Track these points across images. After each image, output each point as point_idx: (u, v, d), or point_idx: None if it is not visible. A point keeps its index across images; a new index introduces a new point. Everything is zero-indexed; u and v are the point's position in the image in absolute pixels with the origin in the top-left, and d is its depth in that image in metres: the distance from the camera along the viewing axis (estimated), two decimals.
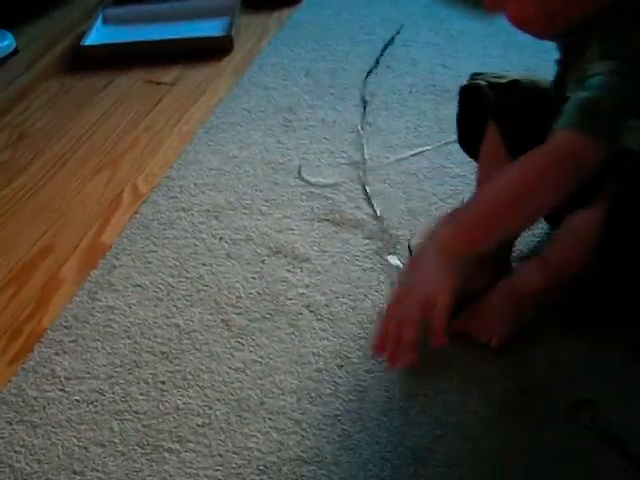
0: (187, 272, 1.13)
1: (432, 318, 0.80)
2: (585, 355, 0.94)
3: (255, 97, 1.52)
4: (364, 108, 1.45)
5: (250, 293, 1.09)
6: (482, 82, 1.03)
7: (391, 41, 1.68)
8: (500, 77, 1.04)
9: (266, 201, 1.25)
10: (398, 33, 1.70)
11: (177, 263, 1.15)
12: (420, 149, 1.32)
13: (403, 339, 0.82)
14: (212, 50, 1.71)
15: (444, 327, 0.80)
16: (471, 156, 1.12)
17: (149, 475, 0.87)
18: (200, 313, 1.06)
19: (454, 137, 1.30)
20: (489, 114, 1.02)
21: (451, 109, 1.41)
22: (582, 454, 0.84)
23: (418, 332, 0.82)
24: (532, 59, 1.56)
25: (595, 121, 0.79)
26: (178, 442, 0.90)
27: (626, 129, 0.78)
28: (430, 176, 1.26)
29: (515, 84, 1.02)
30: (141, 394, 0.96)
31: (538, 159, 0.81)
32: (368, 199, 1.21)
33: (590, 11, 0.83)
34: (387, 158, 1.31)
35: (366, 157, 1.31)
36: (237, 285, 1.10)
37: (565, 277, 0.94)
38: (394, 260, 1.10)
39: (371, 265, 1.11)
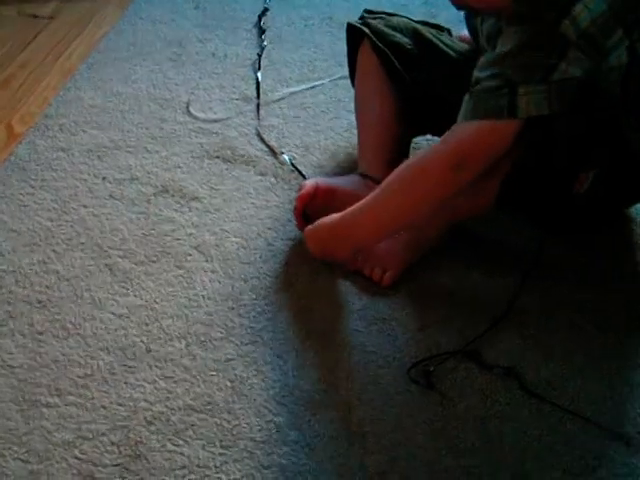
0: (67, 215, 1.05)
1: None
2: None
3: (141, 31, 1.43)
4: (259, 40, 1.38)
5: (135, 235, 1.01)
6: (366, 27, 1.03)
7: None
8: (388, 19, 1.04)
9: (152, 138, 1.17)
10: None
11: (56, 206, 1.06)
12: (315, 83, 1.26)
13: None
14: None
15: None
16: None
17: (26, 433, 0.80)
18: (81, 258, 0.99)
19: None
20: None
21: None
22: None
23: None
24: None
25: (487, 102, 0.80)
26: (57, 396, 0.83)
27: (525, 97, 0.78)
28: (326, 110, 1.21)
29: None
30: (16, 347, 0.88)
31: (428, 162, 0.85)
32: (259, 136, 1.15)
33: None
34: (281, 92, 1.25)
35: (260, 91, 1.25)
36: (121, 227, 1.03)
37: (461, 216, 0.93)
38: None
39: (264, 202, 1.05)
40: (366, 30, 1.03)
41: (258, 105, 1.21)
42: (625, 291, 0.92)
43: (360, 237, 0.92)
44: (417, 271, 0.94)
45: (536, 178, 0.86)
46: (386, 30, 1.02)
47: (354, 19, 1.43)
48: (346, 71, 1.23)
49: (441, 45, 1.02)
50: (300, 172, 1.08)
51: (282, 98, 1.23)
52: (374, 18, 1.05)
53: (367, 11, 1.08)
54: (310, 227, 0.95)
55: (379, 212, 0.89)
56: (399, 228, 0.92)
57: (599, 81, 0.81)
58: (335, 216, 0.93)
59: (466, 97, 0.82)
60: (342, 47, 1.33)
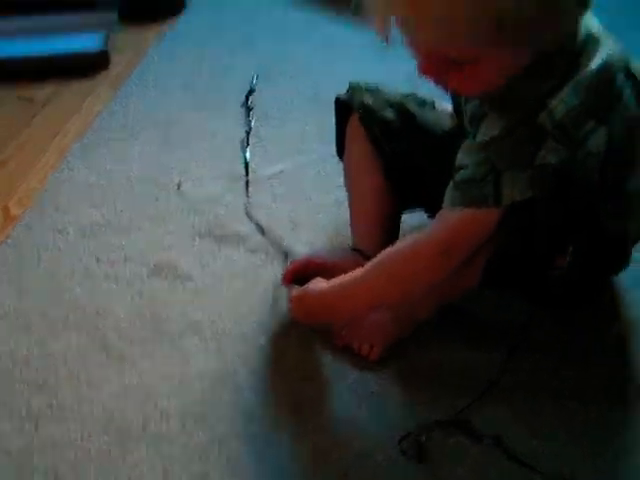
0: (63, 296, 1.07)
1: None
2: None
3: (133, 111, 1.47)
4: (247, 119, 1.42)
5: (130, 315, 1.04)
6: (354, 102, 1.06)
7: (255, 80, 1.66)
8: (376, 93, 1.07)
9: (145, 218, 1.20)
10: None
11: (52, 287, 1.09)
12: (303, 159, 1.30)
13: None
14: (89, 65, 1.65)
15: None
16: None
17: None
18: (77, 339, 1.01)
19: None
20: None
21: (333, 119, 1.42)
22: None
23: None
24: (413, 67, 1.57)
25: (472, 191, 0.83)
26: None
27: (504, 184, 0.81)
28: (314, 186, 1.25)
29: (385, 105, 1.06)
30: (12, 429, 0.90)
31: (417, 248, 0.88)
32: (247, 214, 1.19)
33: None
34: (269, 169, 1.29)
35: (249, 169, 1.29)
36: (116, 307, 1.05)
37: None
38: None
39: (254, 279, 1.08)
40: (354, 105, 1.06)
41: (247, 183, 1.25)
42: (607, 365, 0.95)
43: (348, 308, 0.95)
44: (405, 346, 0.97)
45: (517, 259, 0.89)
46: (373, 104, 1.05)
47: (339, 95, 1.49)
48: (333, 147, 1.28)
49: (424, 119, 1.06)
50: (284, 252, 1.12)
51: (271, 176, 1.27)
52: (361, 91, 1.08)
53: (353, 84, 1.10)
54: (296, 292, 0.98)
55: (369, 287, 0.92)
56: (387, 305, 0.95)
57: (576, 169, 0.85)
58: (323, 285, 0.95)
59: (450, 184, 0.86)
60: (328, 123, 1.38)
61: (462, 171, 0.85)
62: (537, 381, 0.93)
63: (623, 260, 1.01)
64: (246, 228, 1.17)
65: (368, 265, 0.92)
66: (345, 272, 0.99)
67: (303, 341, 0.99)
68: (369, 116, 1.04)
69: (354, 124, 1.06)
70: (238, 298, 1.06)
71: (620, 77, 0.87)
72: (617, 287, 1.05)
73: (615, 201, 0.95)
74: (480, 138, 0.84)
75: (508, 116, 0.83)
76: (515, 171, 0.81)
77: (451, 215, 0.86)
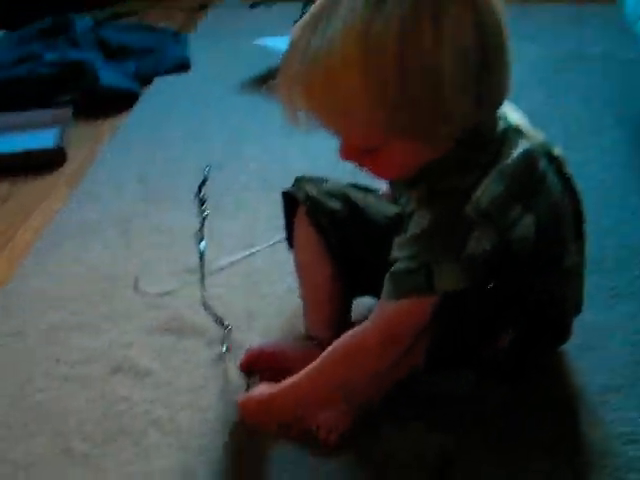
0: (23, 400, 1.09)
1: None
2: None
3: (90, 208, 1.51)
4: (200, 210, 1.46)
5: (92, 417, 1.05)
6: (300, 195, 1.10)
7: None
8: (320, 184, 1.12)
9: (104, 317, 1.23)
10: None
11: (12, 392, 1.10)
12: (254, 249, 1.35)
13: None
14: (45, 163, 1.69)
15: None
16: None
17: None
18: (39, 444, 1.02)
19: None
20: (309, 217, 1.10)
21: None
22: None
23: None
24: None
25: (405, 283, 0.87)
26: None
27: (440, 274, 0.86)
28: (267, 275, 1.29)
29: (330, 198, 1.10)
30: None
31: (361, 339, 0.92)
32: (205, 306, 1.22)
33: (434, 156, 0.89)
34: (223, 261, 1.32)
35: (203, 261, 1.33)
36: (77, 410, 1.07)
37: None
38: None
39: (213, 372, 1.11)
40: (300, 198, 1.10)
41: (202, 276, 1.28)
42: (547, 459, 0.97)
43: (293, 410, 0.99)
44: (358, 430, 1.00)
45: (455, 344, 0.93)
46: (319, 196, 1.10)
47: (289, 182, 1.54)
48: (283, 234, 1.32)
49: (368, 208, 1.11)
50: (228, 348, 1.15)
51: (225, 267, 1.31)
52: (306, 184, 1.13)
53: (299, 178, 1.15)
54: (241, 399, 1.02)
55: (314, 387, 0.96)
56: (332, 400, 0.99)
57: (507, 254, 0.89)
58: (266, 390, 0.99)
59: (387, 276, 0.90)
60: (279, 210, 1.44)
61: (396, 264, 0.89)
62: (479, 462, 0.95)
63: (564, 333, 1.06)
64: (203, 321, 1.20)
65: (317, 361, 0.95)
66: (300, 359, 1.02)
67: (264, 435, 1.01)
68: (315, 208, 1.09)
69: (301, 216, 1.11)
70: (198, 392, 1.08)
71: (543, 162, 0.93)
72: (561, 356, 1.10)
73: (552, 277, 1.00)
74: (411, 231, 0.89)
75: (435, 210, 0.87)
76: (446, 262, 0.86)
77: (388, 306, 0.90)
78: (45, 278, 1.33)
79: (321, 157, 1.60)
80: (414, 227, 0.89)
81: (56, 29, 2.15)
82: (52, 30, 2.15)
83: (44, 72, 1.93)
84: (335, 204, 1.09)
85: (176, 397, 1.07)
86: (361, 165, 0.92)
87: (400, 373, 0.98)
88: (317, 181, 1.13)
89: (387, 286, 0.90)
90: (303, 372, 0.95)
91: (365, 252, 1.07)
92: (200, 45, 2.24)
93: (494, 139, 0.90)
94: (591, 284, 1.17)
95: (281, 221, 1.39)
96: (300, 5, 2.40)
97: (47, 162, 1.70)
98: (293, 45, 0.84)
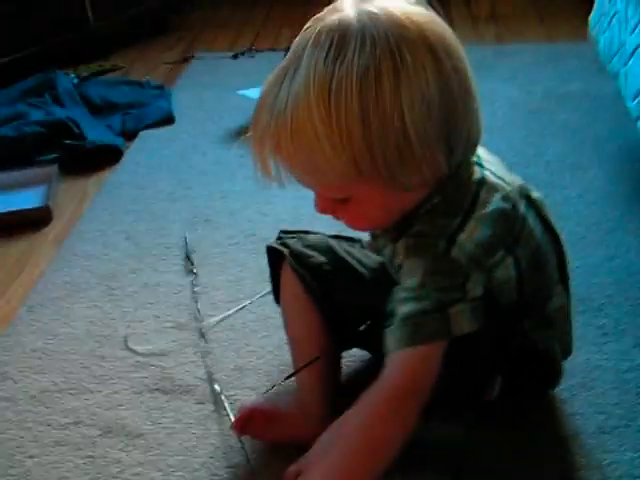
0: (12, 468, 1.07)
1: None
2: None
3: (76, 267, 1.50)
4: (189, 267, 1.46)
5: None
6: (284, 249, 1.10)
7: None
8: (304, 238, 1.12)
9: (94, 378, 1.22)
10: None
11: (2, 461, 1.09)
12: (244, 303, 1.34)
13: None
14: (31, 222, 1.69)
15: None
16: None
17: None
18: None
19: None
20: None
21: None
22: None
23: None
24: None
25: (428, 325, 0.85)
26: None
27: (456, 316, 0.85)
28: (256, 329, 1.28)
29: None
30: None
31: (380, 405, 0.87)
32: (205, 365, 1.21)
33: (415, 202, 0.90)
34: (213, 317, 1.32)
35: (192, 317, 1.32)
36: (68, 474, 1.05)
37: None
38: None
39: (204, 431, 1.10)
40: (285, 252, 1.10)
41: (202, 334, 1.27)
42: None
43: None
44: None
45: (449, 390, 0.92)
46: (303, 250, 1.10)
47: (275, 233, 1.55)
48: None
49: (351, 260, 1.10)
50: (226, 409, 1.12)
51: (215, 323, 1.30)
52: (291, 237, 1.13)
53: (283, 231, 1.16)
54: None
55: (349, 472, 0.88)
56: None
57: (491, 294, 0.91)
58: None
59: (397, 323, 0.87)
60: (266, 263, 1.44)
61: (405, 307, 0.86)
62: None
63: (554, 377, 1.06)
64: (193, 379, 1.19)
65: (332, 451, 0.88)
66: (293, 416, 1.02)
67: None
68: (299, 262, 1.09)
69: (286, 270, 1.10)
70: (189, 452, 1.07)
71: (522, 206, 0.94)
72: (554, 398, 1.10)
73: (537, 321, 1.00)
74: (412, 277, 0.87)
75: (426, 257, 0.87)
76: (460, 303, 0.85)
77: (404, 356, 0.86)
78: (35, 338, 1.32)
79: (307, 207, 1.61)
80: (411, 274, 0.88)
81: (40, 87, 2.16)
82: (36, 88, 2.16)
83: (29, 131, 1.94)
84: (319, 257, 1.09)
85: (167, 458, 1.06)
86: (337, 217, 0.93)
87: None
88: (300, 234, 1.14)
89: (401, 333, 0.86)
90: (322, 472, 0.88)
91: (351, 304, 1.07)
92: (184, 98, 2.25)
93: (471, 184, 0.91)
94: (580, 323, 1.18)
95: (268, 274, 1.41)
96: (282, 54, 2.44)
97: (33, 221, 1.70)
98: (262, 99, 0.86)
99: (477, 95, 0.88)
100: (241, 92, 2.08)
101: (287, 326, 1.13)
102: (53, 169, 1.87)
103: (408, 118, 0.80)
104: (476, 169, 0.92)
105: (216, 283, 1.41)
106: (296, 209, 1.62)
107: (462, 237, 0.87)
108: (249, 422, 1.05)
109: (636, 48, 1.44)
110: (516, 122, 1.90)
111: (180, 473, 1.04)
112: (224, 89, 2.26)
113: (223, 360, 1.22)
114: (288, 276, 1.10)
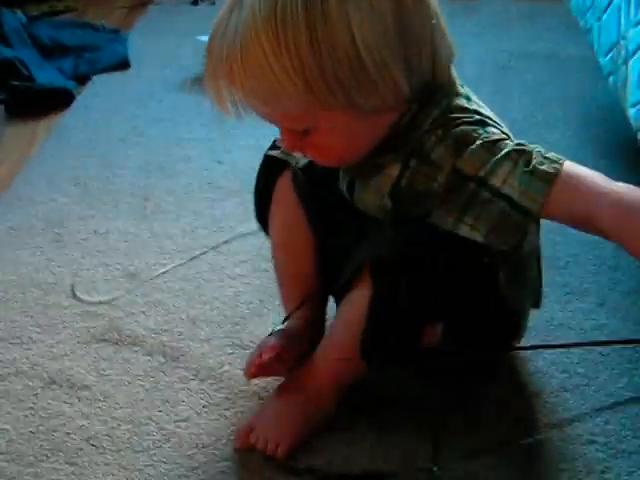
0: None
1: None
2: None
3: (21, 213, 1.43)
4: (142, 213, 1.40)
5: (22, 434, 0.98)
6: (291, 159, 1.01)
7: None
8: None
9: (37, 327, 1.15)
10: None
11: None
12: (197, 252, 1.29)
13: None
14: None
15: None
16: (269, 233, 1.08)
17: None
18: None
19: (230, 235, 1.30)
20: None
21: (228, 206, 1.42)
22: None
23: None
24: None
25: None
26: None
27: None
28: (210, 279, 1.23)
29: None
30: None
31: None
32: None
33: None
34: (164, 266, 1.26)
35: (142, 266, 1.26)
36: (6, 427, 0.99)
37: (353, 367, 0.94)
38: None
39: (153, 384, 1.04)
40: (292, 162, 1.01)
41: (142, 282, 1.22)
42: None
43: None
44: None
45: (386, 327, 0.88)
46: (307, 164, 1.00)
47: (232, 183, 1.49)
48: (226, 236, 1.27)
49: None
50: None
51: (166, 272, 1.24)
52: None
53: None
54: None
55: None
56: None
57: None
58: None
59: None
60: (222, 212, 1.40)
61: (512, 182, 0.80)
62: None
63: (516, 328, 1.02)
64: (142, 330, 1.14)
65: None
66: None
67: (209, 450, 0.95)
68: (302, 175, 1.00)
69: (285, 180, 1.02)
70: (136, 405, 1.02)
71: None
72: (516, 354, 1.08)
73: (513, 266, 0.96)
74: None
75: (477, 146, 0.82)
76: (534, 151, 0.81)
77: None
78: None
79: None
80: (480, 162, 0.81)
81: None
82: None
83: None
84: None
85: (113, 411, 1.01)
86: (304, 153, 0.89)
87: (348, 374, 0.95)
88: None
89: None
90: None
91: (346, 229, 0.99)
92: (140, 43, 2.16)
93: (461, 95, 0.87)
94: (545, 281, 1.15)
95: (223, 224, 1.37)
96: None
97: None
98: (213, 33, 0.83)
99: (437, 10, 0.83)
100: (200, 38, 1.99)
101: (277, 250, 1.06)
102: None
103: (358, 35, 0.77)
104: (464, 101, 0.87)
105: (169, 232, 1.35)
106: (254, 158, 1.55)
107: (490, 118, 0.85)
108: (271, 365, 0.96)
109: (610, 2, 1.40)
110: (483, 79, 1.86)
111: (126, 427, 0.99)
112: (182, 35, 2.17)
113: (175, 311, 1.17)
114: (284, 193, 1.02)
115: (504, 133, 0.85)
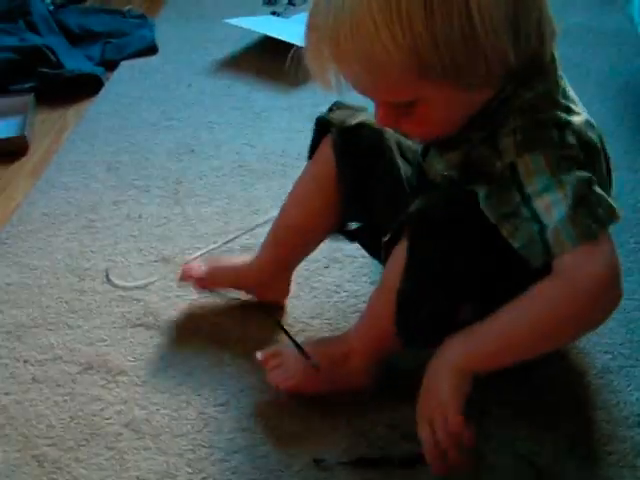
0: None
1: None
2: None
3: (55, 199, 1.43)
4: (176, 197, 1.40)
5: (62, 419, 0.98)
6: (334, 122, 1.01)
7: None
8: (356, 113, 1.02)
9: (73, 312, 1.15)
10: None
11: None
12: (231, 236, 1.28)
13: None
14: (6, 153, 1.60)
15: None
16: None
17: None
18: (6, 452, 0.95)
19: (264, 218, 1.29)
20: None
21: (260, 189, 1.41)
22: None
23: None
24: None
25: (589, 219, 0.77)
26: None
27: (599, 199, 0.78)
28: None
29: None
30: None
31: (563, 298, 0.79)
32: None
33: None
34: (199, 250, 1.25)
35: (176, 250, 1.26)
36: (46, 412, 1.00)
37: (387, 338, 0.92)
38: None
39: (190, 369, 1.04)
40: (336, 122, 1.01)
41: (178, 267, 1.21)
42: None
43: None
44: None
45: (420, 296, 0.87)
46: (352, 136, 1.00)
47: (264, 166, 1.49)
48: (261, 218, 1.27)
49: (397, 170, 1.00)
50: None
51: (200, 256, 1.23)
52: (347, 111, 1.03)
53: (338, 103, 1.05)
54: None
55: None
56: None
57: None
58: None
59: (557, 228, 0.77)
60: (255, 194, 1.39)
61: (554, 213, 0.78)
62: None
63: None
64: (178, 314, 1.13)
65: (502, 318, 0.82)
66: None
67: (248, 434, 0.95)
68: (344, 144, 1.00)
69: (325, 145, 1.02)
70: (174, 389, 1.01)
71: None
72: None
73: None
74: (536, 184, 0.79)
75: (540, 150, 0.80)
76: (593, 184, 0.79)
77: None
78: (10, 271, 1.25)
79: (296, 139, 1.54)
80: (536, 173, 0.79)
81: (13, 12, 2.04)
82: (8, 14, 2.04)
83: (2, 58, 1.83)
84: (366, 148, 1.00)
85: (151, 396, 1.01)
86: (399, 128, 0.88)
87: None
88: (358, 113, 1.02)
89: (570, 232, 0.77)
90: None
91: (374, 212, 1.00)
92: (166, 28, 2.14)
93: (560, 85, 0.85)
94: None
95: (257, 206, 1.36)
96: None
97: (9, 152, 1.61)
98: (313, 8, 0.81)
99: None
100: (229, 20, 1.98)
101: (293, 193, 1.08)
102: (29, 98, 1.77)
103: (473, 4, 0.74)
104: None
105: (202, 215, 1.34)
106: (286, 141, 1.55)
107: (575, 122, 0.81)
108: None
109: None
110: None
111: (165, 411, 0.99)
112: (209, 20, 2.15)
113: (209, 295, 1.16)
114: (325, 154, 1.02)
115: (588, 145, 0.82)
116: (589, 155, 0.82)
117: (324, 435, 0.94)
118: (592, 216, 0.77)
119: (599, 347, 1.04)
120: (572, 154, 0.80)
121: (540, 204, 0.78)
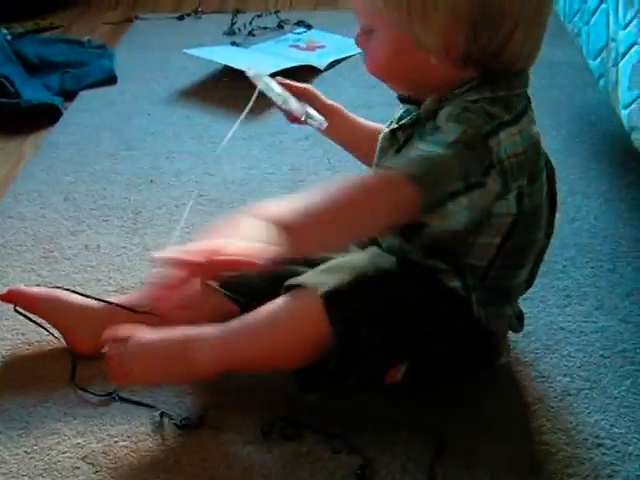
0: None
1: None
2: None
3: (11, 229, 1.40)
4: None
5: (16, 455, 0.96)
6: None
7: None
8: None
9: (29, 345, 1.13)
10: None
11: None
12: None
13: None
14: None
15: None
16: None
17: None
18: None
19: None
20: None
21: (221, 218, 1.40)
22: None
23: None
24: (297, 158, 1.59)
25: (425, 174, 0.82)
26: None
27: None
28: None
29: None
30: None
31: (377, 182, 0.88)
32: None
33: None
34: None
35: (135, 281, 1.25)
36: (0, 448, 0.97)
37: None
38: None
39: (150, 400, 1.02)
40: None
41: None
42: None
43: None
44: None
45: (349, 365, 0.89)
46: None
47: (223, 194, 1.48)
48: None
49: None
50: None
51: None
52: None
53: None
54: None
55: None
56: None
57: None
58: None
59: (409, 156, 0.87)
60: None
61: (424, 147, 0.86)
62: None
63: (493, 352, 1.01)
64: None
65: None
66: None
67: (208, 464, 0.94)
68: None
69: None
70: (134, 421, 1.00)
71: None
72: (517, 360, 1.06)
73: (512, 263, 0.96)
74: (440, 137, 0.86)
75: (465, 127, 0.85)
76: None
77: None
78: None
79: (256, 169, 1.55)
80: (446, 132, 0.86)
81: None
82: None
83: None
84: None
85: (110, 428, 0.99)
86: (364, 50, 0.95)
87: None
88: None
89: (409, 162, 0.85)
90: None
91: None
92: (126, 58, 2.14)
93: (523, 98, 0.93)
94: (543, 286, 1.16)
95: None
96: (229, 15, 2.35)
97: None
98: None
99: (546, 9, 0.89)
100: (188, 51, 1.99)
101: None
102: None
103: None
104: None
105: (161, 245, 1.33)
106: (245, 170, 1.55)
107: (502, 135, 0.86)
108: None
109: (598, 6, 1.40)
110: None
111: (124, 443, 0.97)
112: (169, 50, 2.16)
113: None
114: None
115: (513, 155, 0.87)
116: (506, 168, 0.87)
117: None
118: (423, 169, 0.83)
119: (558, 370, 1.05)
120: (481, 153, 0.85)
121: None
